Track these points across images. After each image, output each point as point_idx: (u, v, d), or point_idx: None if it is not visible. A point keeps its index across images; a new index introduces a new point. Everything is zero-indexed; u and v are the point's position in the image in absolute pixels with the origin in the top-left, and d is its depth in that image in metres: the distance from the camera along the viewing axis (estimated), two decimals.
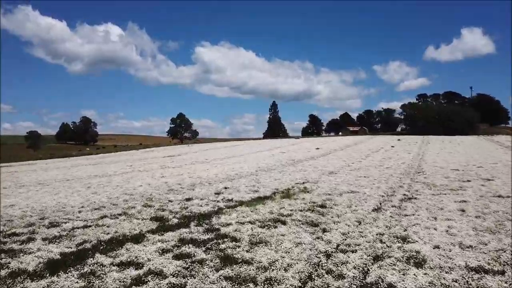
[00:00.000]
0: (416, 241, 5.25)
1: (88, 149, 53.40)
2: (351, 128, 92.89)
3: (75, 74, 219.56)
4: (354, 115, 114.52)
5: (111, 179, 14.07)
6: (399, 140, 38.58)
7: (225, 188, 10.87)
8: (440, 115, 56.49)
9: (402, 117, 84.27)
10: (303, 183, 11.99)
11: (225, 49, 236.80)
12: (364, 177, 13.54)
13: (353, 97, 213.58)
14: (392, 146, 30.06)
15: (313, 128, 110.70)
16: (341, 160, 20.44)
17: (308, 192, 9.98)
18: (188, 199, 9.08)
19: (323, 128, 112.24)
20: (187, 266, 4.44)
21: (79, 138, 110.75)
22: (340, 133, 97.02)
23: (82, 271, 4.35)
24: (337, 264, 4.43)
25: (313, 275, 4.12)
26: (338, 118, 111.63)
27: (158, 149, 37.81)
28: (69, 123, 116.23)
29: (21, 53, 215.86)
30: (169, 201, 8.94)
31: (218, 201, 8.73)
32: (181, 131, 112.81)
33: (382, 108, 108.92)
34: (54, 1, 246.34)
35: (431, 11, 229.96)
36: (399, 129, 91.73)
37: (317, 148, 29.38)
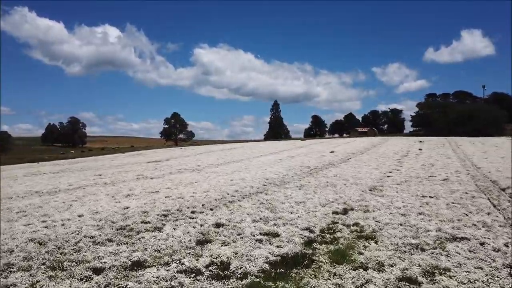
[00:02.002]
0: None
1: (72, 151, 48.64)
2: (359, 129, 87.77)
3: (74, 75, 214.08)
4: (358, 116, 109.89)
5: (49, 201, 9.41)
6: (421, 142, 34.00)
7: (217, 226, 6.22)
8: (462, 114, 51.29)
9: (410, 117, 79.60)
10: (345, 211, 7.38)
11: (224, 51, 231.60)
12: (430, 197, 8.97)
13: (352, 99, 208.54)
14: (420, 149, 25.49)
15: (316, 129, 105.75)
16: (371, 167, 15.83)
17: (370, 238, 5.35)
18: (136, 265, 4.41)
19: (326, 129, 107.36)
20: None
21: (67, 140, 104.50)
22: (345, 135, 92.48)
23: None
24: None
25: None
26: (342, 119, 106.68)
27: (147, 152, 33.12)
28: (56, 124, 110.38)
29: (19, 54, 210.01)
30: (95, 270, 4.26)
31: (198, 274, 4.07)
32: (176, 132, 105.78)
33: (389, 108, 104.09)
34: (50, 1, 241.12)
35: (431, 12, 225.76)
36: (407, 130, 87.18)
37: (332, 152, 24.76)
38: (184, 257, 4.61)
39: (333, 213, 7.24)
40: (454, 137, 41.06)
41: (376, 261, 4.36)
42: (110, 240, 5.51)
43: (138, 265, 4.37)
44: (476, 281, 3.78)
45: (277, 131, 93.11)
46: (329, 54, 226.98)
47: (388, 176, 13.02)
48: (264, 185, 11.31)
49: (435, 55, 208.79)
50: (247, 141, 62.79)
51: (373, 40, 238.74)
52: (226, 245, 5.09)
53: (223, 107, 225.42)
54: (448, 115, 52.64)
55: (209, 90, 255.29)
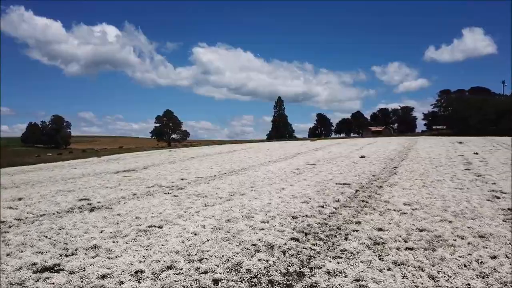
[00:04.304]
0: None
1: (49, 154, 42.92)
2: (372, 128, 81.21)
3: (72, 75, 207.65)
4: (366, 115, 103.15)
5: None
6: (460, 143, 28.19)
7: None
8: (496, 111, 44.53)
9: (423, 115, 73.33)
10: None
11: (223, 50, 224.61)
12: None
13: (352, 99, 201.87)
14: (476, 153, 19.66)
15: (321, 128, 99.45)
16: (450, 187, 10.06)
17: None
18: None
19: (332, 128, 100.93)
20: None
21: (50, 140, 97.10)
22: (352, 134, 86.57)
23: None
24: None
25: None
26: (350, 117, 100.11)
27: (127, 156, 27.27)
28: (37, 123, 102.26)
29: (18, 54, 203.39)
30: None
31: None
32: (169, 132, 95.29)
33: (399, 106, 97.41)
34: (47, 1, 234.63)
35: (432, 12, 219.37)
36: (419, 129, 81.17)
37: (362, 157, 18.96)
38: None
39: None
40: (492, 136, 35.18)
41: None
42: None
43: None
44: None
45: (281, 130, 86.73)
46: (329, 52, 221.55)
47: (510, 209, 7.20)
48: (295, 238, 5.51)
49: (436, 54, 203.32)
50: (249, 141, 56.94)
51: (373, 39, 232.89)
52: None
53: (222, 107, 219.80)
54: (482, 111, 45.92)
55: (209, 90, 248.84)
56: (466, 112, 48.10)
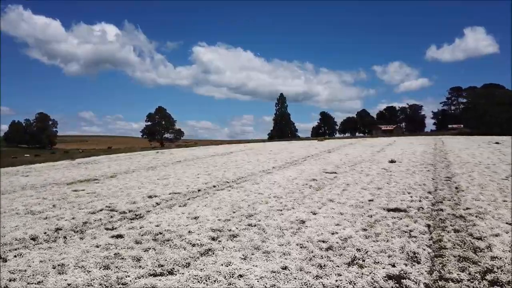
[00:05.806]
0: None
1: (27, 155, 39.08)
2: (383, 127, 76.89)
3: (72, 75, 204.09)
4: (372, 114, 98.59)
5: None
6: (497, 143, 24.14)
7: None
8: None
9: (432, 113, 68.99)
10: None
11: (223, 49, 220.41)
12: None
13: (352, 98, 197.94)
14: None
15: (325, 128, 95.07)
16: None
17: None
18: None
19: (336, 127, 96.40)
20: None
21: (32, 140, 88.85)
22: (358, 133, 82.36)
23: None
24: None
25: None
26: (355, 116, 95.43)
27: (105, 158, 23.23)
28: (21, 122, 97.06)
29: (17, 53, 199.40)
30: None
31: None
32: (161, 131, 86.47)
33: (407, 104, 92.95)
34: (47, 0, 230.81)
35: (433, 11, 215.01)
36: (427, 128, 76.82)
37: (392, 162, 14.90)
38: None
39: None
40: None
41: None
42: None
43: None
44: None
45: (283, 129, 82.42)
46: (329, 52, 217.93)
47: None
48: None
49: (437, 53, 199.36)
50: (249, 141, 52.82)
51: (374, 39, 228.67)
52: None
53: (222, 107, 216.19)
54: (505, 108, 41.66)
55: (209, 90, 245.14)
56: (490, 109, 43.56)
